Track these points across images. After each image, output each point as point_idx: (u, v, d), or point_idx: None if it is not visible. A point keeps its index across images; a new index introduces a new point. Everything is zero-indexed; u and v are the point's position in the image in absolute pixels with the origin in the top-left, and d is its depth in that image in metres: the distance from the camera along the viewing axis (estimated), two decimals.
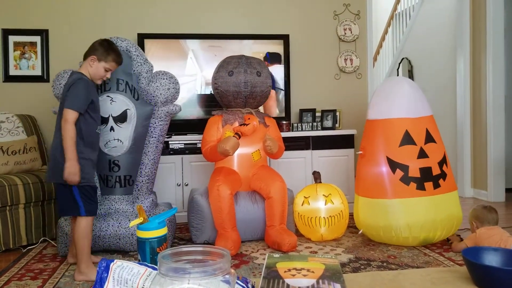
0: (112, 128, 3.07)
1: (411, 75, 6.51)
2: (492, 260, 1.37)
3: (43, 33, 4.27)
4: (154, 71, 3.19)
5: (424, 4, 6.29)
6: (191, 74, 4.32)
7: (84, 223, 2.62)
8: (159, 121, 3.16)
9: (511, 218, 3.94)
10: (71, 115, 2.54)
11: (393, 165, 3.11)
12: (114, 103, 3.07)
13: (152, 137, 3.16)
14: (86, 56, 2.75)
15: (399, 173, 3.09)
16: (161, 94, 3.11)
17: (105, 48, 2.73)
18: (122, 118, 3.08)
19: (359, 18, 4.85)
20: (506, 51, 4.88)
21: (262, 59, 4.32)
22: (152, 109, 3.14)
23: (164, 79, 3.13)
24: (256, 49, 4.42)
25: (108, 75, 2.78)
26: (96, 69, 2.71)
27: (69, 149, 2.52)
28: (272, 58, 4.47)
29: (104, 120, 3.05)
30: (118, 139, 3.08)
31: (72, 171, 2.52)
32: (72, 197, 2.60)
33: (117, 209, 3.13)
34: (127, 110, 3.09)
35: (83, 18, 4.36)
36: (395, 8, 7.98)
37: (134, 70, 3.13)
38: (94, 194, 2.70)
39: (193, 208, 3.27)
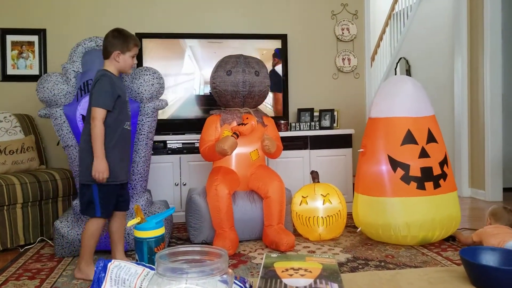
0: None
1: (408, 75, 6.52)
2: (489, 259, 1.37)
3: (41, 33, 4.27)
4: (151, 70, 3.18)
5: (421, 4, 6.30)
6: (189, 73, 4.32)
7: (95, 225, 2.61)
8: (147, 118, 3.14)
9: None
10: (99, 113, 2.52)
11: (394, 164, 3.11)
12: None
13: (141, 134, 3.14)
14: (107, 54, 2.69)
15: (400, 172, 3.09)
16: (145, 90, 3.08)
17: (122, 38, 2.68)
18: None
19: (357, 18, 4.85)
20: (503, 51, 4.88)
21: (271, 55, 4.36)
22: (138, 106, 3.12)
23: (147, 75, 3.11)
24: (260, 46, 4.42)
25: (135, 60, 2.75)
26: (124, 61, 2.68)
27: (97, 147, 2.50)
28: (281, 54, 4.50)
29: None
30: None
31: (100, 169, 2.50)
32: (92, 197, 2.58)
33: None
34: None
35: (81, 18, 4.36)
36: (392, 8, 7.99)
37: None
38: (115, 194, 2.65)
39: (191, 207, 3.27)
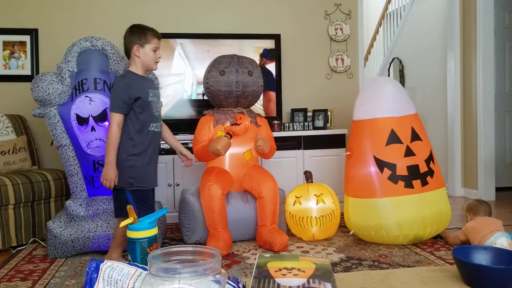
0: (93, 128, 3.03)
1: (402, 75, 6.54)
2: (481, 259, 1.38)
3: (33, 33, 4.24)
4: None
5: (414, 4, 6.32)
6: (182, 73, 4.31)
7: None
8: None
9: (502, 217, 3.95)
10: (113, 119, 2.48)
11: (381, 164, 3.12)
12: (93, 102, 3.03)
13: None
14: (127, 52, 2.62)
15: (387, 172, 3.10)
16: None
17: (139, 31, 2.58)
18: (102, 117, 3.04)
19: (350, 18, 4.86)
20: (496, 51, 4.91)
21: (259, 55, 4.36)
22: None
23: None
24: (255, 45, 4.42)
25: (159, 54, 2.64)
26: (145, 55, 2.58)
27: (109, 153, 2.48)
28: (270, 55, 4.48)
29: (84, 121, 3.02)
30: (100, 139, 3.04)
31: (108, 176, 2.48)
32: (127, 202, 2.52)
33: (105, 209, 3.11)
34: (107, 109, 3.03)
35: (73, 18, 4.34)
36: (386, 8, 8.01)
37: (111, 69, 3.11)
38: (149, 198, 2.62)
39: (184, 208, 3.26)
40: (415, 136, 3.19)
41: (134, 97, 2.50)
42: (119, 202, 2.58)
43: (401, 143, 3.15)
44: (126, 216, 2.45)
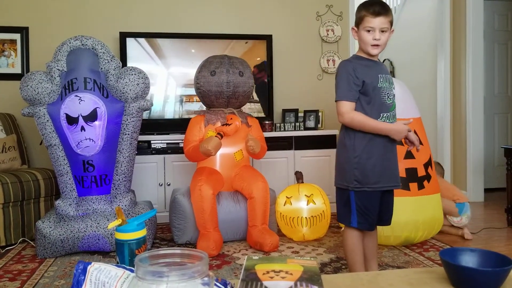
0: (82, 128, 3.01)
1: (392, 76, 6.56)
2: (468, 261, 1.39)
3: (23, 31, 4.21)
4: (136, 70, 3.17)
5: (405, 6, 6.35)
6: (173, 72, 4.31)
7: (350, 238, 2.26)
8: (131, 118, 3.13)
9: (490, 219, 4.00)
10: (341, 107, 2.14)
11: None
12: (83, 102, 3.01)
13: (125, 134, 3.13)
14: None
15: None
16: (130, 90, 3.07)
17: (358, 9, 2.21)
18: (92, 117, 3.02)
19: (342, 19, 4.88)
20: (485, 53, 4.95)
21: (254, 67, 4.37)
22: (123, 106, 3.10)
23: (132, 74, 3.09)
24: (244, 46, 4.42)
25: (377, 35, 2.15)
26: (360, 38, 2.20)
27: (375, 126, 2.14)
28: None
29: (74, 120, 3.00)
30: (90, 139, 3.03)
31: (398, 128, 2.18)
32: (349, 203, 2.21)
33: (95, 209, 3.09)
34: (97, 109, 3.03)
35: (64, 16, 4.31)
36: None
37: (101, 68, 3.10)
38: (376, 202, 2.21)
39: (175, 208, 3.26)
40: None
41: (360, 81, 2.15)
42: (341, 202, 2.29)
43: (402, 145, 3.16)
44: (346, 222, 2.23)
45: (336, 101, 2.19)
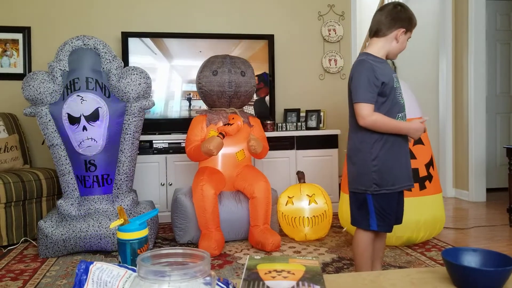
0: (84, 128, 3.01)
1: None
2: (471, 260, 1.39)
3: (25, 31, 4.22)
4: (138, 69, 3.17)
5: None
6: (175, 72, 4.31)
7: (365, 238, 2.22)
8: (133, 118, 3.13)
9: (492, 218, 3.99)
10: (362, 110, 2.09)
11: None
12: (85, 102, 3.01)
13: (127, 134, 3.13)
14: (380, 30, 2.20)
15: None
16: (132, 90, 3.07)
17: (408, 14, 2.20)
18: (93, 116, 3.03)
19: (344, 19, 4.88)
20: (487, 53, 4.94)
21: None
22: (125, 106, 3.11)
23: (134, 74, 3.09)
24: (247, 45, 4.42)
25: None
26: (402, 43, 2.20)
27: (398, 126, 2.13)
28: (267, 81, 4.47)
29: (76, 120, 3.01)
30: (92, 138, 3.03)
31: (416, 127, 2.17)
32: (365, 206, 2.18)
33: (97, 209, 3.10)
34: (99, 108, 3.03)
35: (66, 16, 4.32)
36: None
37: (103, 68, 3.10)
38: (394, 203, 2.20)
39: (177, 208, 3.26)
40: (418, 140, 3.20)
41: (380, 82, 2.12)
42: (356, 208, 2.26)
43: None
44: (364, 226, 2.19)
45: (355, 103, 2.13)
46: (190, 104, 4.30)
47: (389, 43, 2.19)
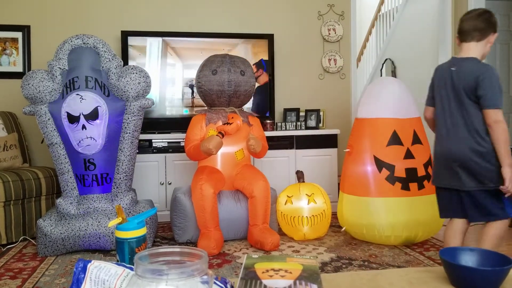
0: (84, 127, 3.01)
1: (394, 76, 6.56)
2: (468, 260, 1.39)
3: (25, 29, 4.22)
4: (137, 68, 3.17)
5: (407, 5, 6.35)
6: (175, 71, 4.31)
7: (505, 226, 2.39)
8: (132, 116, 3.13)
9: None
10: (499, 116, 2.24)
11: (380, 164, 3.14)
12: (84, 101, 3.01)
13: (127, 133, 3.13)
14: (482, 35, 2.37)
15: (385, 172, 3.12)
16: (132, 89, 3.07)
17: (496, 19, 2.38)
18: (93, 115, 3.03)
19: (343, 19, 4.87)
20: None
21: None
22: (124, 105, 3.11)
23: (134, 73, 3.09)
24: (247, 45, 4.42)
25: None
26: (489, 47, 2.41)
27: (505, 154, 2.26)
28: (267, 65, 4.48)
29: (75, 119, 3.01)
30: (91, 137, 3.03)
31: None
32: (499, 199, 2.34)
33: (96, 208, 3.10)
34: (98, 107, 3.03)
35: (65, 15, 4.32)
36: (379, 9, 8.02)
37: (102, 67, 3.10)
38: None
39: (176, 207, 3.26)
40: (416, 139, 3.21)
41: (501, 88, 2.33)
42: (483, 205, 2.38)
43: (402, 145, 3.16)
44: (501, 215, 2.36)
45: (495, 108, 2.26)
46: (192, 92, 4.27)
47: (484, 46, 2.38)
